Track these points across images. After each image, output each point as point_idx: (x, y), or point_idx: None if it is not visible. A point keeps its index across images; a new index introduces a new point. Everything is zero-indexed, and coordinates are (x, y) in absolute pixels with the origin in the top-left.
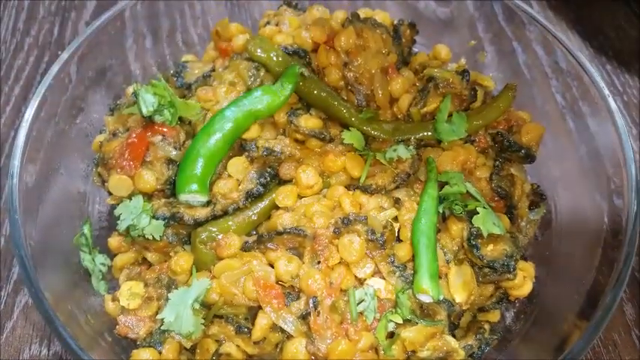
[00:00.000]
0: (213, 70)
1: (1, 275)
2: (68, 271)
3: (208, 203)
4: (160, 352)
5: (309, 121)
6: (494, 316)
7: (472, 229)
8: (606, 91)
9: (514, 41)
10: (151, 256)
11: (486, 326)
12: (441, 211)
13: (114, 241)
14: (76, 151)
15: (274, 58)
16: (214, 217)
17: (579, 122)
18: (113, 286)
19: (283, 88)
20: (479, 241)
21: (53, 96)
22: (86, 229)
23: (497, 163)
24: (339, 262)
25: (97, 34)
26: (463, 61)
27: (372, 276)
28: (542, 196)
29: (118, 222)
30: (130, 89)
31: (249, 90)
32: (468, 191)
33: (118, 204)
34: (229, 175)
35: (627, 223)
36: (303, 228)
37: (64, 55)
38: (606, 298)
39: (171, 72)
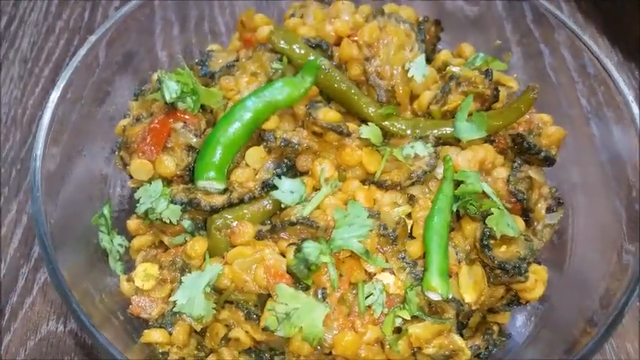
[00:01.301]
0: (237, 60)
1: (23, 253)
2: (87, 251)
3: (225, 191)
4: (171, 333)
5: (327, 114)
6: (504, 317)
7: (485, 230)
8: (630, 97)
9: (541, 43)
10: (167, 240)
11: (495, 327)
12: (455, 210)
13: (132, 223)
14: (101, 134)
15: (296, 50)
16: (230, 205)
17: (603, 127)
18: (129, 268)
19: (303, 81)
20: (491, 241)
21: (80, 79)
22: (106, 210)
23: (516, 164)
24: (350, 256)
25: (126, 19)
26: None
27: (382, 271)
28: (560, 201)
29: (137, 205)
30: (155, 76)
31: (270, 81)
32: (483, 191)
33: (139, 187)
34: (247, 165)
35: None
36: (316, 220)
37: (92, 39)
38: (618, 302)
39: (196, 60)
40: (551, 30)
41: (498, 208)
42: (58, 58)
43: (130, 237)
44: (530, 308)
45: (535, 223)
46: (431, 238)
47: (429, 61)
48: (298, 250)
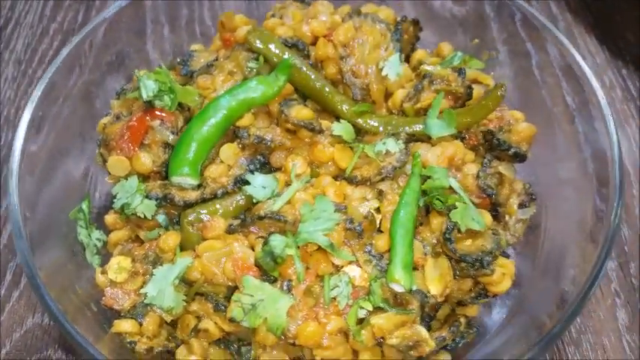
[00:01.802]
0: (217, 59)
1: (11, 248)
2: (65, 244)
3: (199, 187)
4: (141, 324)
5: (300, 112)
6: (473, 310)
7: (449, 224)
8: (602, 98)
9: (527, 42)
10: (142, 234)
11: (462, 320)
12: (421, 204)
13: (110, 218)
14: (86, 132)
15: (272, 50)
16: (203, 200)
17: (587, 125)
18: (107, 261)
19: (277, 79)
20: (457, 235)
21: (64, 78)
22: (84, 205)
23: (486, 160)
24: (317, 249)
25: (112, 20)
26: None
27: (349, 264)
28: (533, 196)
29: (115, 200)
30: (140, 73)
31: (245, 80)
32: (450, 186)
33: (116, 183)
34: (221, 161)
35: (609, 222)
36: (284, 214)
37: (75, 39)
38: (585, 284)
39: (178, 60)
40: (537, 30)
41: (463, 202)
42: (52, 60)
43: (108, 232)
44: (500, 300)
45: (507, 218)
46: (396, 231)
47: (407, 59)
48: (265, 243)
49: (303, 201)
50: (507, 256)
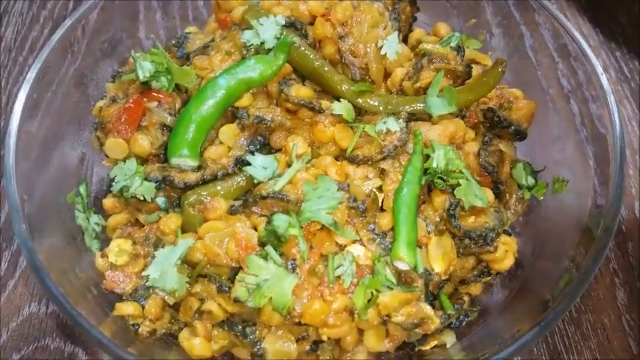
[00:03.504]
0: (213, 40)
1: (6, 237)
2: (64, 228)
3: (199, 168)
4: (143, 307)
5: (300, 91)
6: (476, 289)
7: (452, 201)
8: (605, 80)
9: (522, 25)
10: (142, 217)
11: (466, 298)
12: (423, 182)
13: (108, 202)
14: (82, 116)
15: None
16: (204, 182)
17: (583, 107)
18: (106, 246)
19: (276, 58)
20: (460, 212)
21: (57, 62)
22: (82, 189)
23: (487, 138)
24: (321, 229)
25: (105, 4)
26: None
27: (353, 243)
28: (534, 174)
29: (113, 183)
30: (137, 54)
31: (243, 59)
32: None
33: (114, 166)
34: (220, 142)
35: (610, 202)
36: (287, 193)
37: (67, 23)
38: (587, 262)
39: (173, 42)
40: (532, 11)
41: (466, 180)
42: (42, 47)
43: (106, 216)
44: (502, 279)
45: (507, 196)
46: (399, 210)
47: (404, 40)
48: (268, 222)
49: (304, 181)
50: (509, 234)
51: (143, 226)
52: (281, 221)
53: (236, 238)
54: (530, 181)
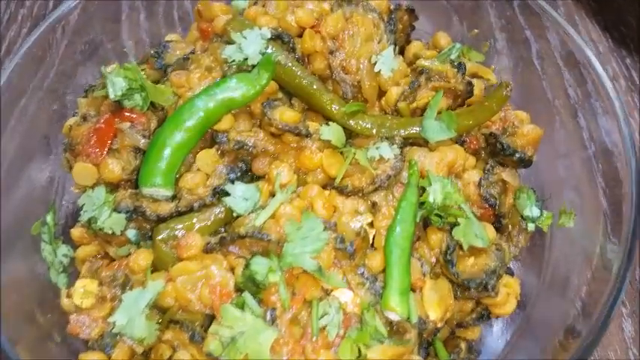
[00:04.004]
0: (194, 52)
1: None
2: (26, 263)
3: (173, 198)
4: (110, 356)
5: (284, 114)
6: (474, 333)
7: (450, 243)
8: (612, 91)
9: (527, 29)
10: (112, 251)
11: (463, 345)
12: (418, 219)
13: (76, 232)
14: (52, 133)
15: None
16: (178, 214)
17: (591, 120)
18: (75, 280)
19: (259, 77)
20: (457, 254)
21: (33, 68)
22: (49, 218)
23: (489, 166)
24: (305, 271)
25: (85, 5)
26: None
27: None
28: (540, 202)
29: (81, 212)
30: (109, 68)
31: (224, 77)
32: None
33: (83, 193)
34: (198, 169)
35: (627, 232)
36: (267, 232)
37: (42, 25)
38: (603, 308)
39: (152, 52)
40: (537, 15)
41: (466, 217)
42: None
43: (75, 247)
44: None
45: (509, 229)
46: (391, 252)
47: (401, 51)
48: (246, 266)
49: (288, 216)
50: (511, 273)
51: (114, 259)
52: (260, 266)
53: (210, 284)
54: (535, 211)
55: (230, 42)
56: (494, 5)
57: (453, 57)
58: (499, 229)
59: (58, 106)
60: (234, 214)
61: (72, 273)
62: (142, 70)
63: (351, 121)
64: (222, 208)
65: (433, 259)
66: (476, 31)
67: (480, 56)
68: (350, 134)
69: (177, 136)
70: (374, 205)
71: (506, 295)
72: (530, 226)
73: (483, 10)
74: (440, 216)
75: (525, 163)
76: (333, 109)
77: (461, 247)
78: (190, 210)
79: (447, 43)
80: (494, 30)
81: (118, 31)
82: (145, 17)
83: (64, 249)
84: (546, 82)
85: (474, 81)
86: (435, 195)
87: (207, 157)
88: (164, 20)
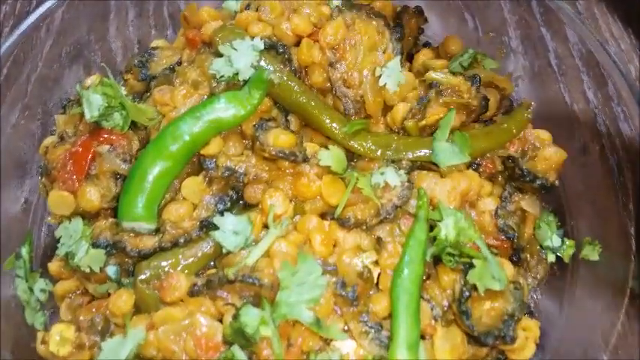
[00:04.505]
0: (180, 63)
1: None
2: (4, 299)
3: (157, 231)
4: None
5: (279, 138)
6: None
7: (464, 288)
8: (635, 96)
9: (542, 26)
10: (92, 288)
11: None
12: (429, 258)
13: (54, 266)
14: (29, 155)
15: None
16: (162, 249)
17: (612, 126)
18: (55, 318)
19: (250, 96)
20: (471, 301)
21: (14, 73)
22: (24, 251)
23: (506, 193)
24: None
25: (71, 3)
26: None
27: None
28: (561, 230)
29: (58, 245)
30: (88, 81)
31: (212, 95)
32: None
33: (60, 223)
34: (183, 198)
35: None
36: (259, 276)
37: (22, 27)
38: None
39: (136, 61)
40: (553, 12)
41: (482, 259)
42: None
43: (54, 281)
44: None
45: (528, 257)
46: (398, 298)
47: (409, 58)
48: (235, 317)
49: (283, 256)
50: (531, 312)
51: (94, 297)
52: (250, 317)
53: (196, 335)
54: (556, 241)
55: (218, 55)
56: (508, 1)
57: (465, 64)
58: (517, 262)
59: (41, 114)
60: (224, 251)
61: (51, 310)
62: (126, 79)
63: (353, 142)
64: (211, 243)
65: (445, 303)
66: (491, 34)
67: (495, 63)
68: (352, 154)
69: (159, 163)
70: (378, 240)
71: (525, 339)
72: (551, 257)
73: (496, 5)
74: (452, 255)
75: (547, 189)
76: (333, 128)
77: (476, 289)
78: (175, 245)
79: (458, 49)
80: (508, 27)
81: (105, 32)
82: (134, 15)
83: (41, 283)
84: (564, 85)
85: (489, 91)
86: (447, 231)
87: (193, 186)
88: (154, 18)
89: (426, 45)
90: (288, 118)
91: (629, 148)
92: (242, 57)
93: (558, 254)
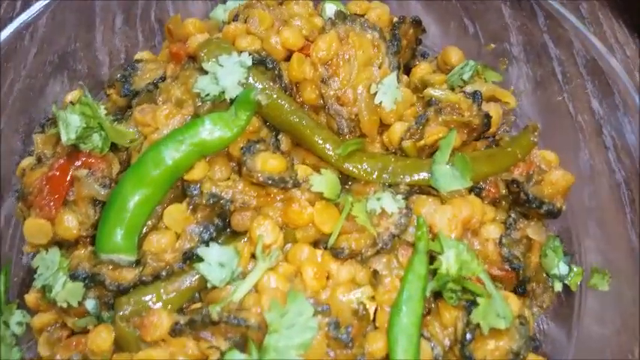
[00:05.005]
0: (164, 78)
1: None
2: None
3: (137, 262)
4: None
5: (267, 163)
6: None
7: (467, 331)
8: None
9: (545, 33)
10: (70, 322)
11: None
12: (429, 293)
13: (31, 298)
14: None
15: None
16: (143, 282)
17: (619, 137)
18: (32, 353)
19: (237, 118)
20: (473, 346)
21: None
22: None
23: (511, 220)
24: None
25: (56, 8)
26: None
27: None
28: (568, 257)
29: (35, 276)
30: (69, 97)
31: (196, 115)
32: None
33: (37, 252)
34: (166, 227)
35: None
36: (246, 317)
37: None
38: None
39: (118, 76)
40: (556, 18)
41: (486, 295)
42: None
43: (32, 312)
44: None
45: (534, 285)
46: (396, 340)
47: (406, 71)
48: None
49: (271, 293)
50: (537, 346)
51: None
52: None
53: None
54: (563, 268)
55: (203, 72)
56: (508, 4)
57: (466, 77)
58: (522, 293)
59: (23, 127)
60: (208, 285)
61: (28, 343)
62: (109, 94)
63: (347, 165)
64: (195, 276)
65: (446, 342)
66: (492, 45)
67: (497, 76)
68: (347, 176)
69: (139, 191)
70: (375, 274)
71: None
72: (558, 285)
73: (497, 10)
74: (454, 291)
75: (554, 215)
76: (326, 150)
77: (479, 327)
78: (157, 278)
79: (458, 60)
80: (509, 32)
81: (91, 40)
82: (121, 22)
83: (18, 315)
84: (568, 94)
85: (491, 105)
86: (448, 264)
87: (176, 213)
88: (141, 25)
89: (424, 55)
90: (279, 137)
91: (635, 161)
92: (228, 74)
93: (565, 283)
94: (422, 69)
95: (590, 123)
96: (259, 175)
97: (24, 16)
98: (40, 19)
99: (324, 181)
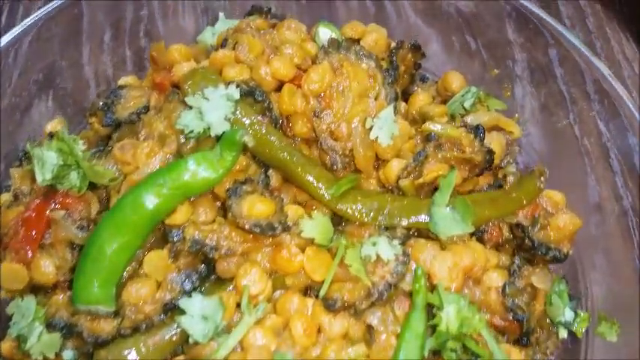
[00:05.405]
0: (147, 108)
1: None
2: None
3: (116, 313)
4: None
5: (254, 207)
6: None
7: None
8: None
9: (550, 48)
10: None
11: None
12: (426, 354)
13: (6, 346)
14: None
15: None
16: (121, 335)
17: (626, 162)
18: None
19: (222, 159)
20: None
21: None
22: None
23: (515, 267)
24: None
25: (42, 25)
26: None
27: None
28: (574, 301)
29: (10, 324)
30: (49, 126)
31: (179, 154)
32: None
33: (12, 298)
34: (145, 275)
35: None
36: None
37: None
38: None
39: (101, 104)
40: (559, 36)
41: (488, 355)
42: None
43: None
44: None
45: (538, 331)
46: None
47: (404, 97)
48: None
49: (257, 352)
50: None
51: None
52: None
53: None
54: (569, 314)
55: (188, 106)
56: (512, 18)
57: (467, 105)
58: (525, 344)
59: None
60: (190, 341)
61: None
62: (90, 123)
63: (341, 206)
64: (177, 329)
65: None
66: (496, 71)
67: (501, 104)
68: (340, 217)
69: (117, 239)
70: (369, 329)
71: None
72: (563, 332)
73: (500, 26)
74: (454, 350)
75: (560, 261)
76: (318, 189)
77: None
78: (136, 330)
79: (460, 86)
80: (513, 49)
81: (78, 58)
82: (109, 38)
83: None
84: (574, 115)
85: (494, 135)
86: (448, 321)
87: (157, 261)
88: (130, 41)
89: (424, 79)
90: (268, 173)
91: None
92: (214, 109)
93: (571, 329)
94: (421, 99)
95: (597, 145)
96: (245, 222)
97: (10, 35)
98: (27, 37)
99: (315, 226)
